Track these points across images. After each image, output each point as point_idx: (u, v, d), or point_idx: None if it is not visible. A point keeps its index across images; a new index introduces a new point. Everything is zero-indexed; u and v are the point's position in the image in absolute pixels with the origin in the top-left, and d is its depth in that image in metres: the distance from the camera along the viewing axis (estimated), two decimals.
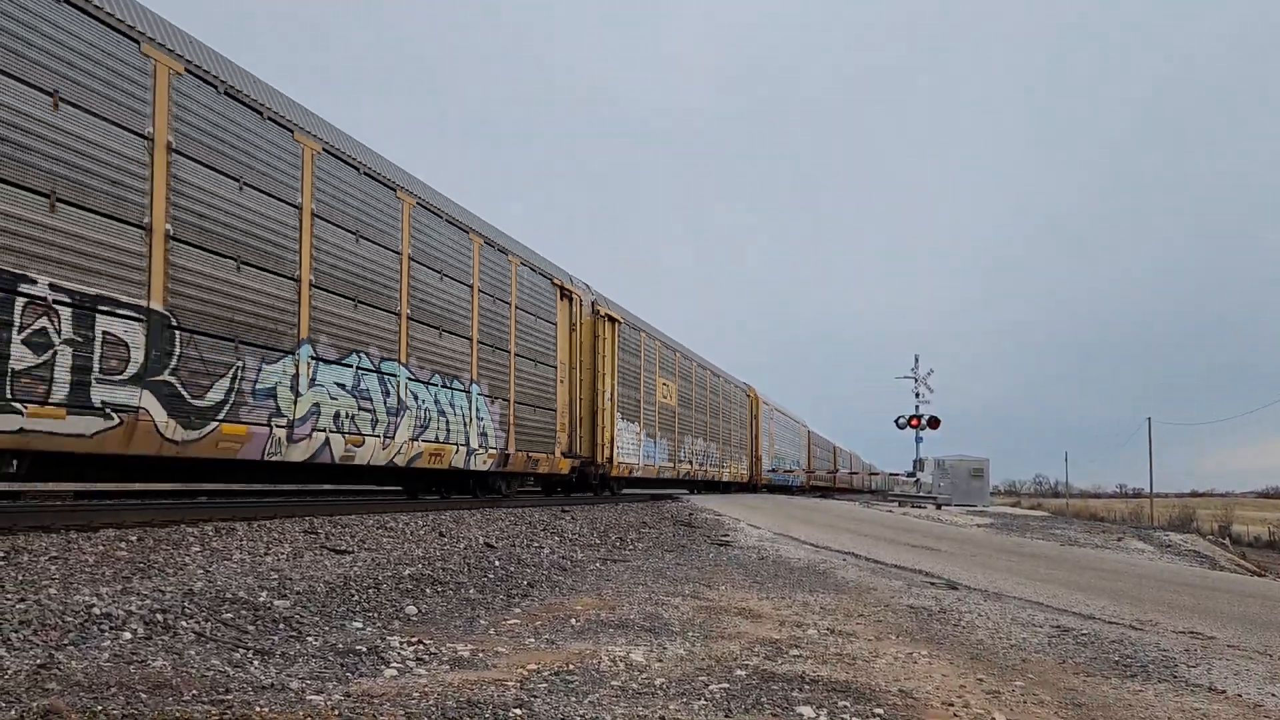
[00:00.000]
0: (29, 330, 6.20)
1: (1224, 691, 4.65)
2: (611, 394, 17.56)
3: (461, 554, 7.58)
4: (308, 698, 3.44)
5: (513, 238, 13.79)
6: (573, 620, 5.71)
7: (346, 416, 9.53)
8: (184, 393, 7.48)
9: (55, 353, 6.38)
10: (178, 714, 3.03)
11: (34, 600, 4.13)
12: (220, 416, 7.82)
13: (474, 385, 12.17)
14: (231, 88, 8.14)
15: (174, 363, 7.38)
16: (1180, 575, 13.03)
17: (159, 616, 4.29)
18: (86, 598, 4.31)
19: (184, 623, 4.32)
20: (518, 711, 3.46)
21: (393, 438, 10.41)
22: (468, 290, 12.06)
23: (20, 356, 6.12)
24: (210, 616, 4.51)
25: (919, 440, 43.27)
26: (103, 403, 6.73)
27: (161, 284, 7.29)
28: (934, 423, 42.50)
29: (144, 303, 7.13)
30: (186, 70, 7.60)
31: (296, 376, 8.71)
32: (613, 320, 17.84)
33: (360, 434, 9.75)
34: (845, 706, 3.83)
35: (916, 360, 43.97)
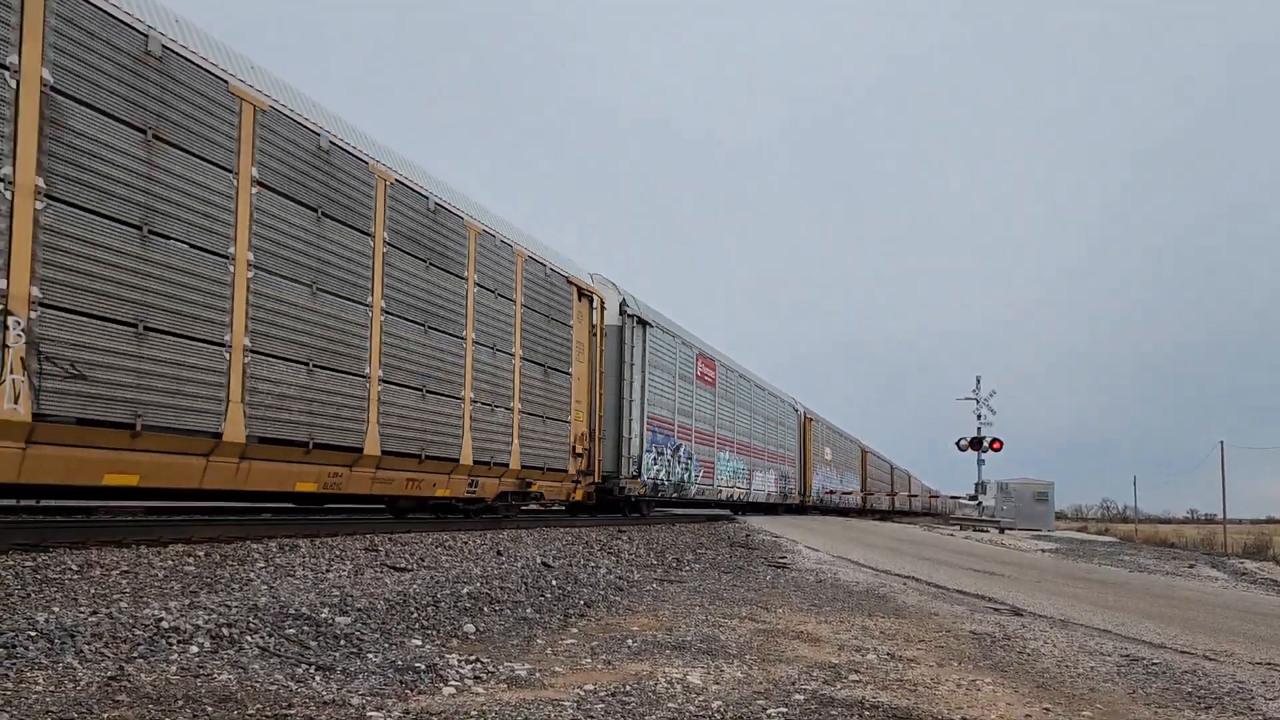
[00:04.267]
0: None
1: None
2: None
3: (519, 573, 7.61)
4: (368, 714, 3.49)
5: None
6: (629, 641, 5.69)
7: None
8: None
9: None
10: None
11: (105, 613, 4.25)
12: None
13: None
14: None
15: None
16: (1257, 604, 12.57)
17: (225, 631, 4.39)
18: (156, 611, 4.43)
19: (249, 637, 4.41)
20: None
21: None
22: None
23: None
24: (274, 631, 4.60)
25: (980, 463, 42.47)
26: None
27: None
28: (996, 445, 41.68)
29: None
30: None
31: None
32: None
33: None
34: None
35: (978, 381, 43.21)
